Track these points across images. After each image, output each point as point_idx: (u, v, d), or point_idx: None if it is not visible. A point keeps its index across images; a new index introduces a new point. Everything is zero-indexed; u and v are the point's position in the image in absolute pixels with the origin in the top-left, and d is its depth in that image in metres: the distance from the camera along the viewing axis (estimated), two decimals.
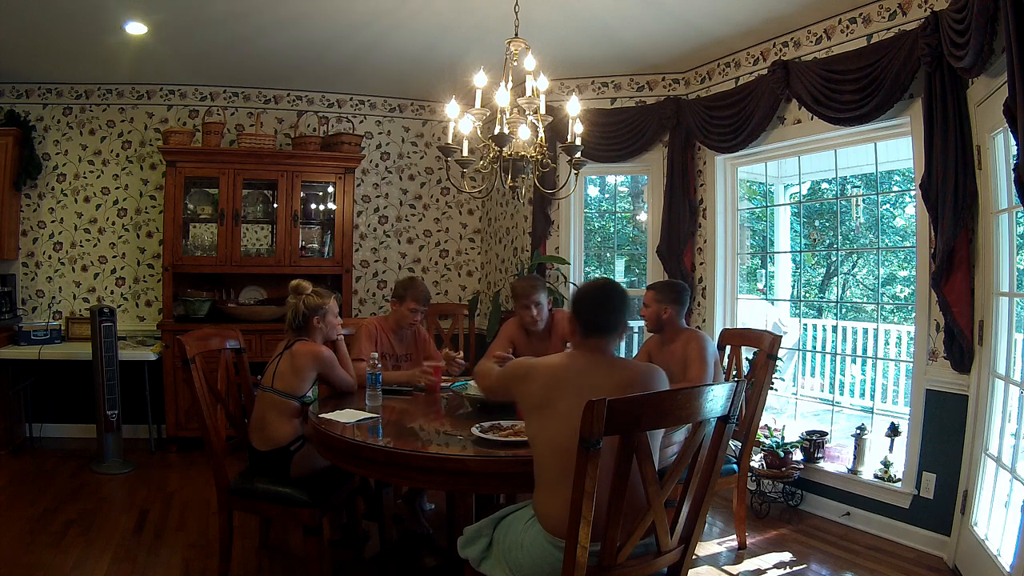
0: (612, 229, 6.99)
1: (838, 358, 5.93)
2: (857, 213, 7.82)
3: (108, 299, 5.27)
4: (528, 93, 2.93)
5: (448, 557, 2.51)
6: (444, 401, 3.08)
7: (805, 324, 6.41)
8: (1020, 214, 2.83)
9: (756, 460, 3.83)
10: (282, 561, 3.14)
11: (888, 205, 8.16)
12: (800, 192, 5.81)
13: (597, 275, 6.75)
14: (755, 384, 3.31)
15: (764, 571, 3.11)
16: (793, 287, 5.74)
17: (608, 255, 7.18)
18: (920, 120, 3.23)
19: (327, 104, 5.66)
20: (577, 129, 2.95)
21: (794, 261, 5.56)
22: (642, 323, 5.99)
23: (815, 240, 8.09)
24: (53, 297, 5.24)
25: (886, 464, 3.53)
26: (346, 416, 2.61)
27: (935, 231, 3.14)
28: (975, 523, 2.92)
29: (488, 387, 2.36)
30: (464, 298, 5.96)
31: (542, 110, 2.92)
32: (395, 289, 3.59)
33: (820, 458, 3.86)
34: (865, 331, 6.12)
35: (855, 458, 3.68)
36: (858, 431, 3.71)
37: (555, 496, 1.79)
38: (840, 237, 7.42)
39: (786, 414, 4.60)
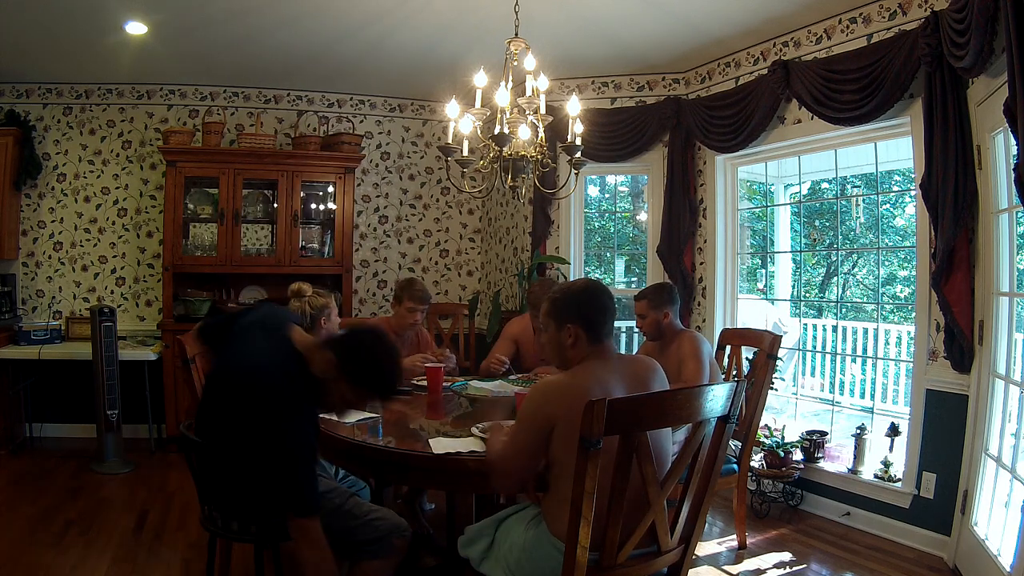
0: (612, 229, 6.99)
1: (838, 358, 5.93)
2: (857, 213, 7.81)
3: (108, 299, 5.27)
4: (528, 93, 2.93)
5: (448, 557, 2.51)
6: (445, 401, 3.08)
7: (805, 324, 6.40)
8: (1020, 214, 2.83)
9: (756, 460, 3.83)
10: (282, 561, 3.13)
11: (888, 205, 8.16)
12: (800, 192, 5.81)
13: (597, 275, 6.74)
14: (755, 384, 3.31)
15: (764, 571, 3.11)
16: (793, 287, 5.74)
17: (608, 255, 7.18)
18: (920, 120, 3.23)
19: (327, 104, 5.66)
20: (577, 129, 2.95)
21: (794, 261, 5.56)
22: (629, 323, 6.02)
23: (815, 240, 8.08)
24: (53, 297, 5.24)
25: (886, 464, 3.53)
26: (346, 416, 2.61)
27: (935, 231, 3.14)
28: (975, 523, 2.91)
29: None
30: (464, 298, 5.96)
31: (542, 110, 2.92)
32: (394, 291, 3.60)
33: (820, 458, 3.86)
34: (865, 331, 6.12)
35: (855, 458, 3.68)
36: (858, 431, 3.71)
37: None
38: (840, 237, 7.42)
39: (786, 414, 4.59)
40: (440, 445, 2.23)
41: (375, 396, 2.06)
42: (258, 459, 1.90)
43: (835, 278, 8.95)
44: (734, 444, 3.28)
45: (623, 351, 5.72)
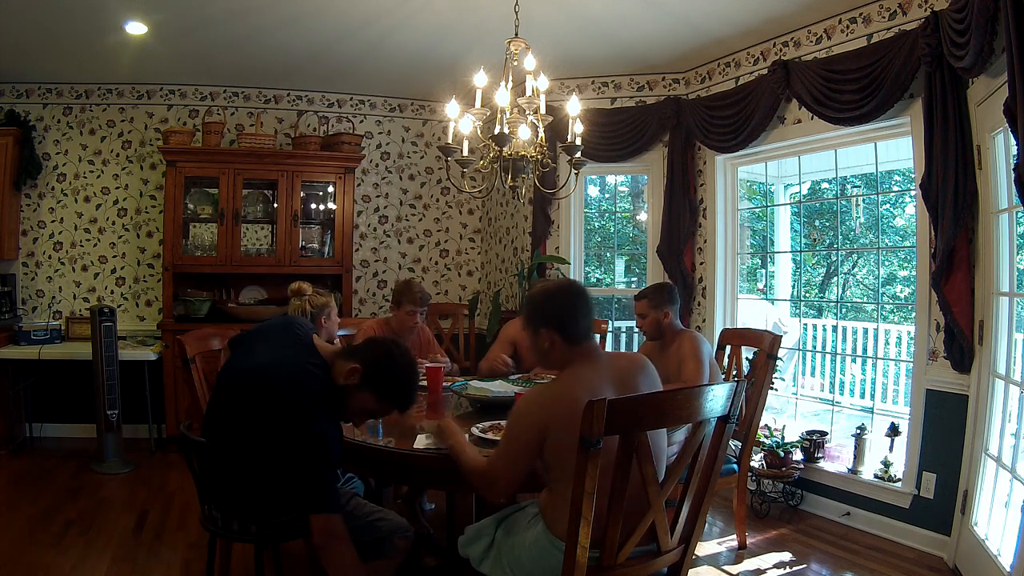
0: (612, 229, 6.99)
1: (838, 358, 5.93)
2: (857, 213, 7.81)
3: (108, 299, 5.27)
4: (528, 93, 2.93)
5: (448, 557, 2.51)
6: (445, 401, 3.08)
7: (805, 324, 6.40)
8: (1020, 214, 2.83)
9: (756, 460, 3.83)
10: (282, 561, 3.13)
11: (888, 205, 8.16)
12: (800, 192, 5.81)
13: (597, 275, 6.75)
14: (755, 384, 3.31)
15: (764, 571, 3.11)
16: (793, 287, 5.74)
17: (608, 255, 7.18)
18: (920, 120, 3.23)
19: (327, 104, 5.66)
20: (577, 129, 2.95)
21: (794, 261, 5.56)
22: (629, 323, 6.02)
23: (815, 240, 8.09)
24: (53, 297, 5.24)
25: (886, 464, 3.53)
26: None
27: (935, 231, 3.14)
28: (975, 523, 2.92)
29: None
30: (464, 298, 5.96)
31: (542, 110, 2.92)
32: (393, 294, 3.59)
33: (820, 458, 3.86)
34: (865, 331, 6.12)
35: (855, 458, 3.68)
36: (858, 431, 3.71)
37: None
38: (840, 237, 7.42)
39: (786, 414, 4.59)
40: (421, 441, 2.26)
41: (396, 407, 2.08)
42: (284, 457, 1.91)
43: (835, 278, 8.95)
44: (734, 444, 3.28)
45: (623, 351, 5.72)
